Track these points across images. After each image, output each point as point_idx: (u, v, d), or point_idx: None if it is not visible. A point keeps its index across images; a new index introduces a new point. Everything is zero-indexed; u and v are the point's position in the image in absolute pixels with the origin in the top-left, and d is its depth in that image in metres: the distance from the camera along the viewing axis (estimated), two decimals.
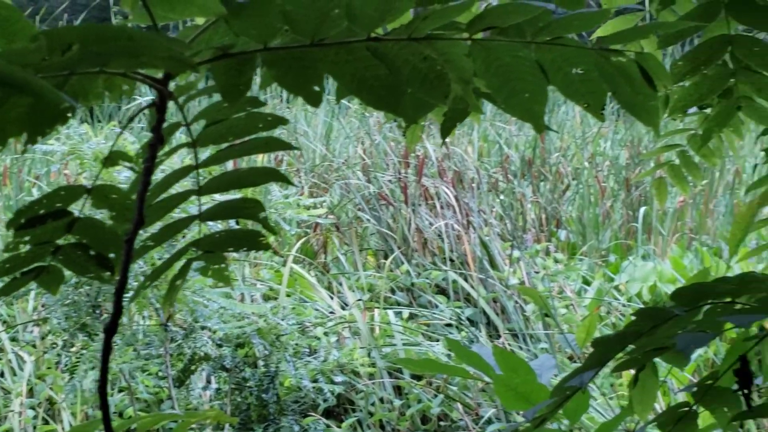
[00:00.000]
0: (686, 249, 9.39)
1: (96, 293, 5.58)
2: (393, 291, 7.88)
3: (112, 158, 1.61)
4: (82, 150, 6.29)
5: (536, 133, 9.77)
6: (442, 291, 7.94)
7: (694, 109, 3.07)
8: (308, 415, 6.24)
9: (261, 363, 5.97)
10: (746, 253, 3.99)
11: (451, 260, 8.17)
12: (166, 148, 1.57)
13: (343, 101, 11.81)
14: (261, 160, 9.62)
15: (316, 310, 7.11)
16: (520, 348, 7.21)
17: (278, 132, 8.86)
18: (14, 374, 6.59)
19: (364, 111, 11.80)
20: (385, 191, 8.98)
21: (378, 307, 7.27)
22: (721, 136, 3.37)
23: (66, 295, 5.59)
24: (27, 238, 1.59)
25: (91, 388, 6.14)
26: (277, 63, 1.46)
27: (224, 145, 1.63)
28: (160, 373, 6.17)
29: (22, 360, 6.62)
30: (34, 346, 6.79)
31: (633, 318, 1.81)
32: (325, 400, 6.21)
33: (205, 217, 1.68)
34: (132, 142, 7.96)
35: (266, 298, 7.30)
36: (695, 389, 2.03)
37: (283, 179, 1.69)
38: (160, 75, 1.48)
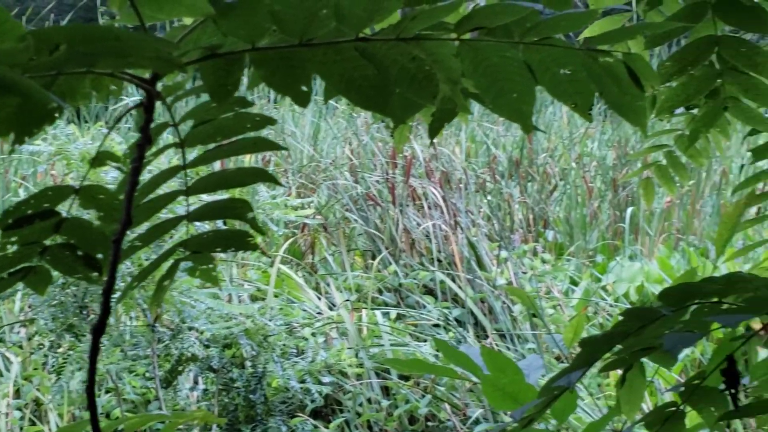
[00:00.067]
0: (673, 249, 9.41)
1: (83, 294, 5.57)
2: (380, 291, 7.88)
3: (100, 158, 1.61)
4: (68, 150, 6.28)
5: (524, 134, 9.78)
6: (429, 291, 7.94)
7: (681, 110, 3.07)
8: (296, 415, 6.24)
9: (248, 364, 5.96)
10: (733, 254, 4.00)
11: (439, 261, 8.17)
12: (154, 149, 1.57)
13: (331, 102, 11.81)
14: (248, 160, 9.61)
15: (304, 310, 7.10)
16: (508, 348, 7.22)
17: (266, 132, 8.85)
18: (1, 375, 6.57)
19: (352, 111, 11.80)
20: (372, 192, 8.98)
21: (365, 308, 7.27)
22: (708, 137, 3.37)
23: (53, 295, 5.58)
24: (14, 239, 1.59)
25: (78, 389, 6.13)
26: (265, 63, 1.46)
27: (212, 146, 1.63)
28: (148, 374, 6.16)
29: (9, 361, 6.60)
30: (20, 347, 6.77)
31: (620, 318, 1.81)
32: (312, 401, 6.21)
33: (193, 217, 1.68)
34: (119, 143, 7.95)
35: (254, 299, 7.30)
36: (682, 389, 2.03)
37: (271, 179, 1.69)
38: (147, 75, 1.48)
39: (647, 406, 5.88)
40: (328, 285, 7.72)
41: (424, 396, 6.55)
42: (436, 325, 7.34)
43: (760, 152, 3.42)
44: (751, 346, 2.65)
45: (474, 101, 1.62)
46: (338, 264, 8.33)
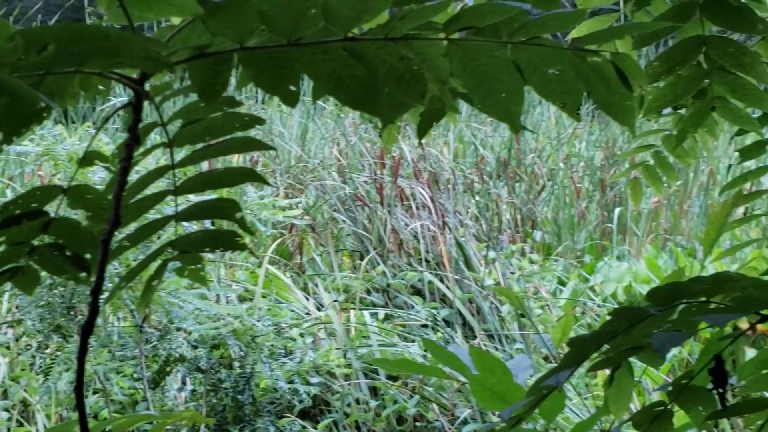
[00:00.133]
0: (661, 249, 9.43)
1: (70, 295, 5.56)
2: (369, 292, 7.88)
3: (88, 158, 1.61)
4: (56, 151, 6.27)
5: (512, 134, 9.79)
6: (417, 292, 7.94)
7: (668, 110, 3.08)
8: (284, 416, 6.24)
9: (236, 364, 5.96)
10: (720, 253, 4.01)
11: (427, 261, 8.17)
12: (142, 149, 1.57)
13: (319, 102, 11.82)
14: (236, 160, 9.61)
15: (292, 311, 7.10)
16: (496, 348, 7.22)
17: (254, 133, 8.85)
18: None
19: (340, 112, 11.80)
20: (360, 192, 8.98)
21: (354, 308, 7.27)
22: (696, 137, 3.38)
23: (40, 296, 5.57)
24: (2, 239, 1.58)
25: (65, 389, 6.12)
26: (254, 63, 1.46)
27: (200, 146, 1.63)
28: (135, 375, 6.15)
29: None
30: (8, 347, 6.75)
31: (608, 318, 1.81)
32: (300, 401, 6.20)
33: (181, 217, 1.67)
34: (107, 143, 7.94)
35: (242, 300, 7.29)
36: (670, 388, 2.03)
37: (260, 179, 1.69)
38: (135, 75, 1.48)
39: (635, 405, 5.89)
40: (316, 285, 7.72)
41: (412, 396, 6.55)
42: (425, 326, 7.34)
43: (747, 152, 3.43)
44: (739, 345, 2.66)
45: (462, 101, 1.62)
46: (326, 264, 8.33)
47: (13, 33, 1.20)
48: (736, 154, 3.49)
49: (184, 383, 6.24)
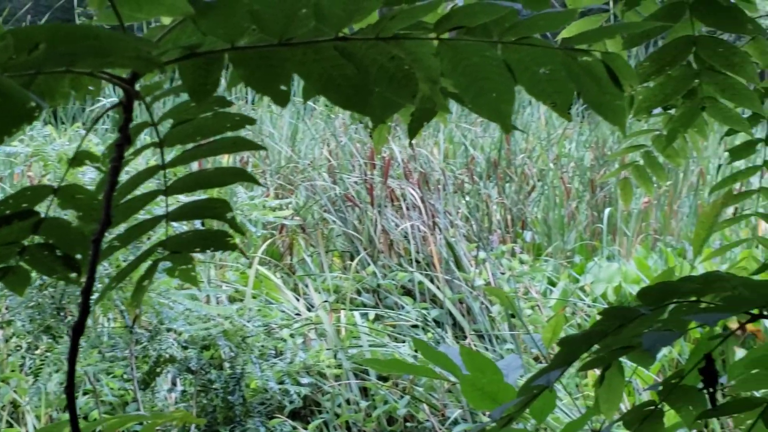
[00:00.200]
0: (651, 250, 9.44)
1: (60, 295, 5.55)
2: (359, 292, 7.88)
3: (79, 158, 1.61)
4: (45, 152, 6.26)
5: (502, 135, 9.78)
6: (408, 292, 7.94)
7: (658, 110, 3.09)
8: (274, 416, 6.24)
9: (227, 365, 5.95)
10: (710, 254, 4.01)
11: (417, 261, 8.18)
12: (133, 149, 1.56)
13: (309, 103, 11.81)
14: (226, 161, 9.60)
15: (282, 311, 7.10)
16: (486, 349, 7.23)
17: (243, 133, 8.84)
18: None
19: (330, 112, 11.80)
20: (351, 193, 8.98)
21: (344, 309, 7.27)
22: (686, 137, 3.39)
23: (30, 297, 5.56)
24: None
25: (55, 390, 6.11)
26: (245, 62, 1.46)
27: (191, 146, 1.63)
28: (125, 376, 6.14)
29: None
30: None
31: (599, 318, 1.81)
32: (291, 402, 6.20)
33: (172, 217, 1.67)
34: (96, 144, 7.93)
35: (232, 300, 7.29)
36: (661, 388, 2.04)
37: (251, 179, 1.69)
38: (126, 75, 1.48)
39: (625, 405, 5.90)
40: (307, 286, 7.71)
41: (402, 397, 6.55)
42: (415, 326, 7.34)
43: (737, 152, 3.44)
44: (729, 345, 2.66)
45: (453, 101, 1.62)
46: (316, 265, 8.33)
47: (4, 33, 1.19)
48: (726, 154, 3.50)
49: (174, 384, 6.23)
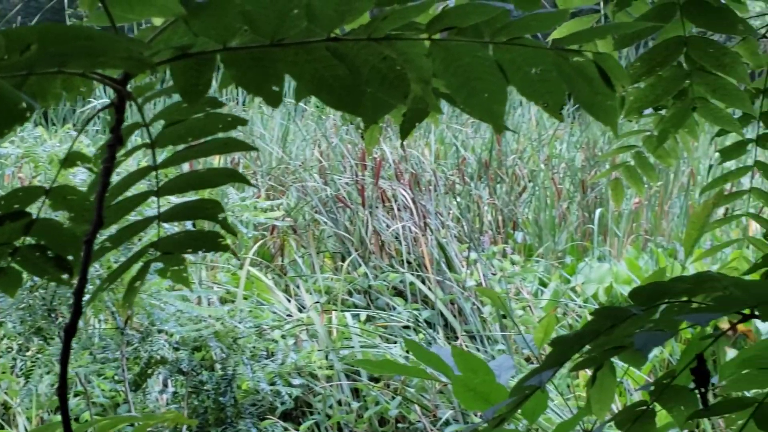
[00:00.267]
0: (641, 250, 9.45)
1: (51, 297, 5.55)
2: (350, 293, 7.88)
3: (70, 159, 1.61)
4: (36, 153, 6.26)
5: (493, 136, 9.77)
6: (399, 293, 7.94)
7: (649, 111, 3.09)
8: (266, 418, 6.23)
9: (218, 366, 5.95)
10: (701, 254, 4.02)
11: (409, 262, 8.18)
12: (124, 150, 1.56)
13: (300, 103, 11.80)
14: (217, 162, 9.60)
15: (274, 312, 7.09)
16: (478, 349, 7.23)
17: (234, 134, 8.84)
18: None
19: (321, 113, 11.80)
20: (342, 194, 8.98)
21: (335, 310, 7.27)
22: (677, 137, 3.39)
23: (21, 298, 5.55)
24: None
25: (46, 392, 6.10)
26: (237, 63, 1.46)
27: (182, 146, 1.63)
28: (117, 377, 6.14)
29: None
30: None
31: (590, 318, 1.81)
32: (282, 403, 6.20)
33: (164, 218, 1.67)
34: (87, 145, 7.92)
35: (223, 301, 7.28)
36: (652, 388, 2.04)
37: (243, 180, 1.69)
38: (117, 76, 1.48)
39: (616, 406, 5.91)
40: (298, 287, 7.71)
41: (394, 398, 6.55)
42: (406, 327, 7.35)
43: (728, 153, 3.44)
44: (720, 346, 2.67)
45: (445, 101, 1.63)
46: (308, 266, 8.33)
47: None
48: (717, 154, 3.50)
49: (165, 385, 6.22)
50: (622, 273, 8.34)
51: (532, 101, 1.50)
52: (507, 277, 8.02)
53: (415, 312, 7.48)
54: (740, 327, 6.83)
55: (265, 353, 6.34)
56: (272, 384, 6.10)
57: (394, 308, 7.60)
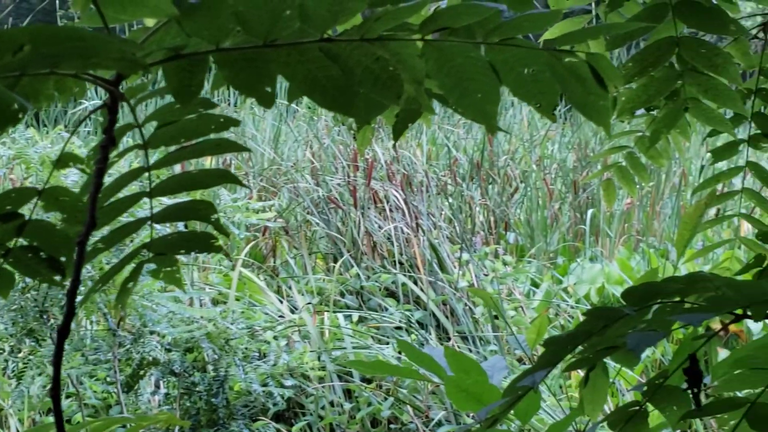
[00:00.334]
0: (633, 251, 9.46)
1: (43, 298, 5.54)
2: (342, 294, 7.88)
3: (63, 160, 1.60)
4: (28, 154, 6.24)
5: (484, 136, 9.77)
6: (391, 294, 7.94)
7: (641, 111, 3.09)
8: (258, 419, 6.23)
9: (210, 367, 5.95)
10: (692, 254, 4.03)
11: (401, 263, 8.18)
12: (117, 150, 1.56)
13: (292, 104, 11.80)
14: (209, 163, 9.59)
15: (266, 314, 7.09)
16: (470, 350, 7.23)
17: (226, 136, 8.83)
18: None
19: (313, 114, 11.79)
20: (334, 194, 8.98)
21: (327, 311, 7.27)
22: (669, 138, 3.40)
23: (13, 300, 5.54)
24: None
25: (38, 393, 6.09)
26: (229, 64, 1.46)
27: (175, 147, 1.62)
28: (109, 379, 6.13)
29: None
30: None
31: (583, 318, 1.81)
32: (275, 404, 6.20)
33: (157, 219, 1.67)
34: (78, 146, 7.91)
35: (215, 303, 7.28)
36: (645, 388, 2.04)
37: (235, 181, 1.69)
38: (110, 76, 1.47)
39: (609, 407, 5.91)
40: (290, 288, 7.71)
41: (386, 398, 6.55)
42: (399, 328, 7.35)
43: (719, 153, 3.45)
44: (712, 346, 2.67)
45: (437, 102, 1.63)
46: (300, 267, 8.32)
47: None
48: (709, 155, 3.51)
49: (157, 387, 6.22)
50: (614, 273, 8.35)
51: (525, 102, 1.50)
52: (499, 278, 8.02)
53: (408, 313, 7.48)
54: (732, 327, 6.85)
55: (257, 354, 6.33)
56: (264, 385, 6.09)
57: (386, 309, 7.60)
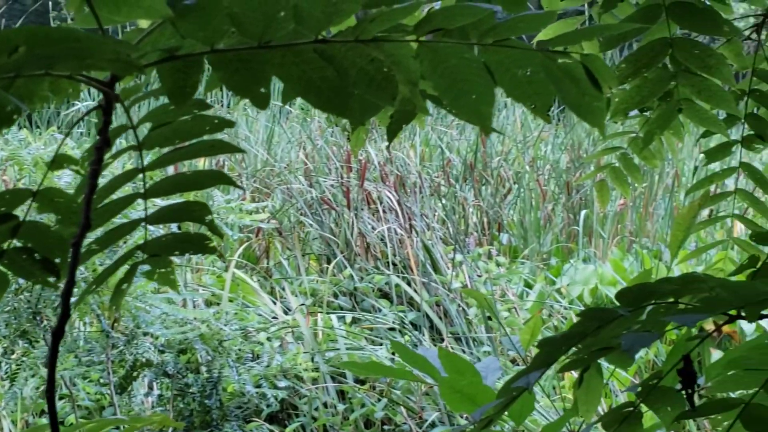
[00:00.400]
0: (626, 252, 9.47)
1: (36, 300, 5.53)
2: (336, 295, 7.88)
3: (58, 161, 1.60)
4: (21, 155, 6.24)
5: (478, 137, 9.76)
6: (385, 295, 7.94)
7: (635, 112, 3.10)
8: (251, 420, 6.23)
9: (204, 369, 5.94)
10: (686, 255, 4.03)
11: (394, 264, 8.18)
12: (111, 152, 1.56)
13: (285, 106, 11.80)
14: (203, 164, 9.58)
15: (259, 315, 7.09)
16: (463, 351, 7.23)
17: (220, 137, 8.82)
18: None
19: (306, 115, 11.79)
20: (327, 196, 8.98)
21: (321, 312, 7.27)
22: (662, 139, 3.40)
23: (6, 301, 5.53)
24: None
25: (31, 395, 6.08)
26: (224, 65, 1.46)
27: (169, 148, 1.62)
28: (102, 380, 6.12)
29: None
30: None
31: (577, 319, 1.81)
32: (268, 406, 6.19)
33: (151, 220, 1.67)
34: (72, 148, 7.90)
35: (209, 304, 7.27)
36: (639, 389, 2.04)
37: (229, 182, 1.69)
38: (104, 78, 1.47)
39: (602, 408, 5.91)
40: (284, 289, 7.70)
41: (380, 400, 6.55)
42: (392, 329, 7.35)
43: (713, 154, 3.45)
44: (705, 347, 2.67)
45: (431, 103, 1.63)
46: (293, 268, 8.32)
47: None
48: (702, 156, 3.51)
49: (151, 388, 6.21)
50: (607, 274, 8.36)
51: (520, 103, 1.50)
52: (492, 279, 8.02)
53: (401, 314, 7.48)
54: (725, 328, 6.85)
55: (250, 355, 6.33)
56: (258, 386, 6.09)
57: (380, 310, 7.60)
